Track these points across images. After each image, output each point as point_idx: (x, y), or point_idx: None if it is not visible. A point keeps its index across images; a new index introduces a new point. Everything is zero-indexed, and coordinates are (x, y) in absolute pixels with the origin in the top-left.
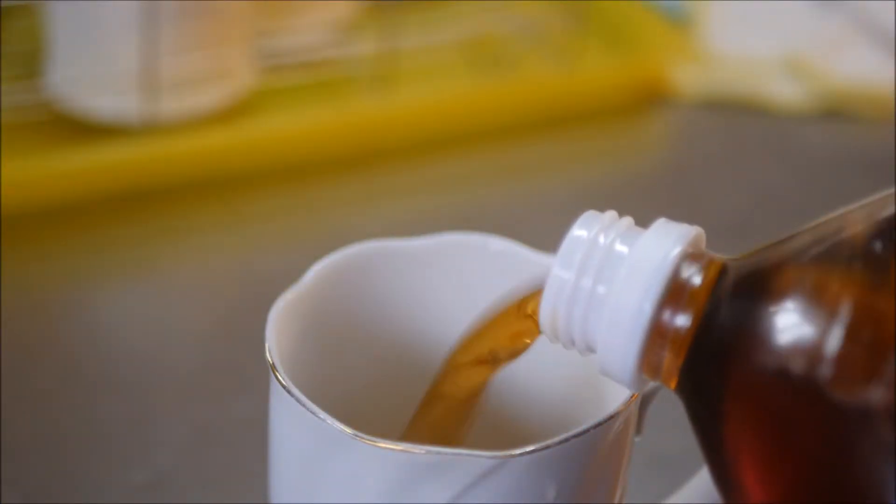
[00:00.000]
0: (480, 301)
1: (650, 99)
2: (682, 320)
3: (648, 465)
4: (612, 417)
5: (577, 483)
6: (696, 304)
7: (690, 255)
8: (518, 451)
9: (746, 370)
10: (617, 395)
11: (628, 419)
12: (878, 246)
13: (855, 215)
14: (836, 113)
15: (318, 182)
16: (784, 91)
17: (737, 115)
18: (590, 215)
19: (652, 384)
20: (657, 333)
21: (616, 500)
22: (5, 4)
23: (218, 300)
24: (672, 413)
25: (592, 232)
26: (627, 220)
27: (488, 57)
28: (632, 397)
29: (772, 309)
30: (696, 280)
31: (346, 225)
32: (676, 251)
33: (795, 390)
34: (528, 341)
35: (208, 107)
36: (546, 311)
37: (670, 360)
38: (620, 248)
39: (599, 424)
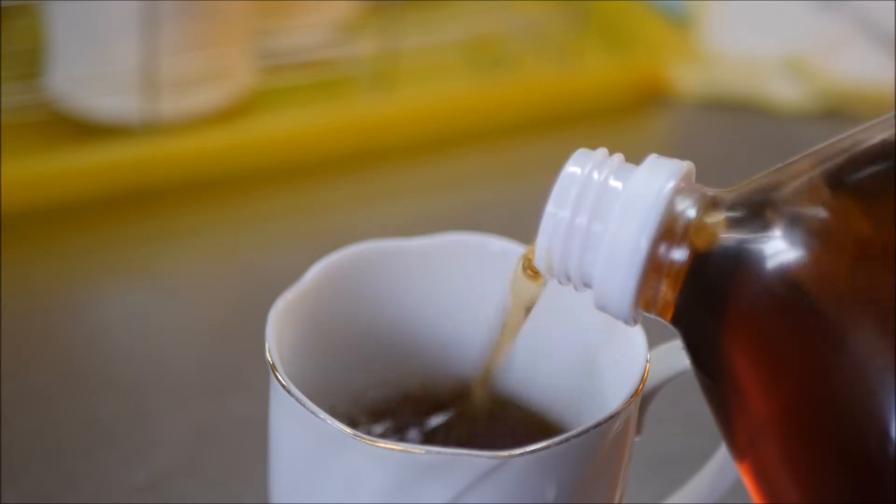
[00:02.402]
0: (480, 301)
1: (650, 99)
2: (678, 254)
3: (648, 465)
4: (612, 417)
5: (577, 483)
6: (690, 237)
7: (683, 190)
8: (518, 451)
9: (742, 296)
10: (617, 395)
11: (628, 419)
12: (868, 169)
13: (846, 142)
14: (836, 113)
15: (318, 182)
16: (784, 91)
17: (737, 115)
18: (582, 153)
19: (651, 384)
20: (653, 268)
21: (616, 500)
22: (5, 4)
23: (218, 300)
24: (672, 413)
25: (586, 169)
26: (619, 157)
27: (488, 57)
28: (632, 397)
29: (764, 235)
30: (691, 213)
31: (346, 225)
32: (670, 186)
33: (791, 312)
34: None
35: (208, 107)
36: (542, 248)
37: (666, 293)
38: (614, 184)
39: (599, 424)
